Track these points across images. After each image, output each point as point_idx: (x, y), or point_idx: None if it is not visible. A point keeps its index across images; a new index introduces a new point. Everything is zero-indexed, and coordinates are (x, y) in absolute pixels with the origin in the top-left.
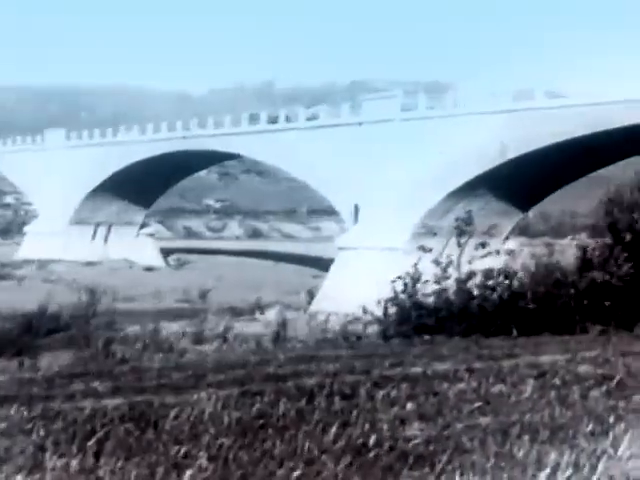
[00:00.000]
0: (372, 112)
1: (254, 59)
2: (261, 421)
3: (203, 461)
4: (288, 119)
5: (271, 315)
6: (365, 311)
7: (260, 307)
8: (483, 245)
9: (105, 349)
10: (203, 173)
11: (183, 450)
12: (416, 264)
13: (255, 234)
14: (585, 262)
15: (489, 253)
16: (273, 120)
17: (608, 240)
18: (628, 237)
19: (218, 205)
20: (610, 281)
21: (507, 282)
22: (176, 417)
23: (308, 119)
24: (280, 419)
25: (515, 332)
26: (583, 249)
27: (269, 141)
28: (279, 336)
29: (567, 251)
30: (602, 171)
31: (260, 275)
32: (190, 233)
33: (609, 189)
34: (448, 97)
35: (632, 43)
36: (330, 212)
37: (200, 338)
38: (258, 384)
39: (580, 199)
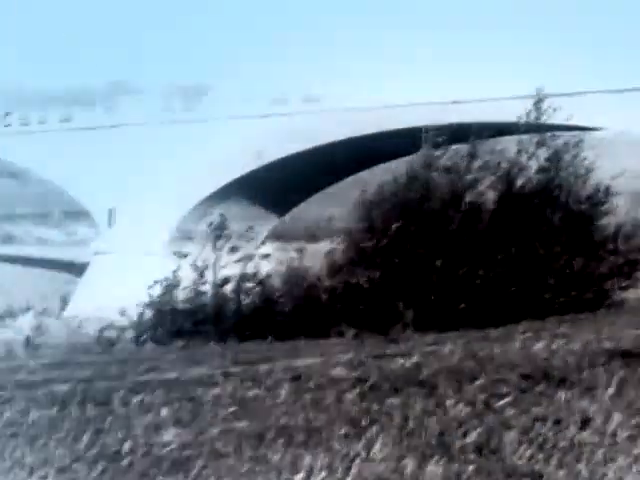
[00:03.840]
0: (129, 114)
1: (1, 57)
2: (11, 429)
3: None
4: (41, 120)
5: (23, 321)
6: (122, 314)
7: (11, 313)
8: (237, 249)
9: None
10: None
11: None
12: (175, 270)
13: (8, 238)
14: (339, 266)
15: (244, 257)
16: (25, 121)
17: (362, 243)
18: (384, 241)
19: None
20: (363, 284)
21: (262, 286)
22: None
23: (62, 121)
24: (31, 427)
25: (270, 336)
26: (337, 253)
27: (21, 143)
28: (30, 342)
29: (322, 255)
30: (358, 175)
31: (12, 280)
32: None
33: (367, 193)
34: (206, 100)
35: (389, 47)
36: (85, 216)
37: None
38: (8, 392)
39: (337, 203)
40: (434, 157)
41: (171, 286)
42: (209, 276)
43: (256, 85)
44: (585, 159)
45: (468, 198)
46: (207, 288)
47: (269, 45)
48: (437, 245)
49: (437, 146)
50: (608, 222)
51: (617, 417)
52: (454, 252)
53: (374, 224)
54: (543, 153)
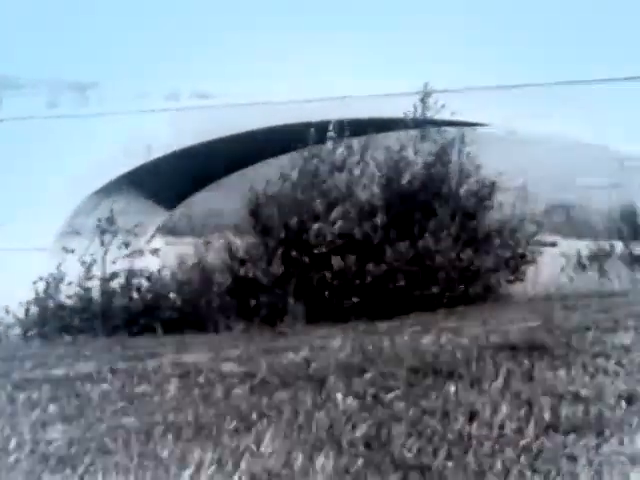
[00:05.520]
0: (14, 109)
1: None
2: None
3: None
4: None
5: None
6: (7, 312)
7: None
8: (126, 244)
9: None
10: None
11: None
12: (59, 265)
13: None
14: (231, 260)
15: (133, 252)
16: None
17: (257, 238)
18: (282, 235)
19: None
20: (256, 278)
21: (151, 281)
22: None
23: None
24: None
25: (160, 331)
26: (229, 247)
27: None
28: None
29: (213, 250)
30: (245, 171)
31: None
32: None
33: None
34: (95, 96)
35: (278, 45)
36: None
37: None
38: None
39: (226, 198)
40: (323, 153)
41: (56, 281)
42: (97, 271)
43: (145, 82)
44: (469, 154)
45: (356, 194)
46: (95, 284)
47: (158, 44)
48: (333, 241)
49: (325, 141)
50: (494, 217)
51: (504, 409)
52: (348, 248)
53: (272, 220)
54: (429, 148)
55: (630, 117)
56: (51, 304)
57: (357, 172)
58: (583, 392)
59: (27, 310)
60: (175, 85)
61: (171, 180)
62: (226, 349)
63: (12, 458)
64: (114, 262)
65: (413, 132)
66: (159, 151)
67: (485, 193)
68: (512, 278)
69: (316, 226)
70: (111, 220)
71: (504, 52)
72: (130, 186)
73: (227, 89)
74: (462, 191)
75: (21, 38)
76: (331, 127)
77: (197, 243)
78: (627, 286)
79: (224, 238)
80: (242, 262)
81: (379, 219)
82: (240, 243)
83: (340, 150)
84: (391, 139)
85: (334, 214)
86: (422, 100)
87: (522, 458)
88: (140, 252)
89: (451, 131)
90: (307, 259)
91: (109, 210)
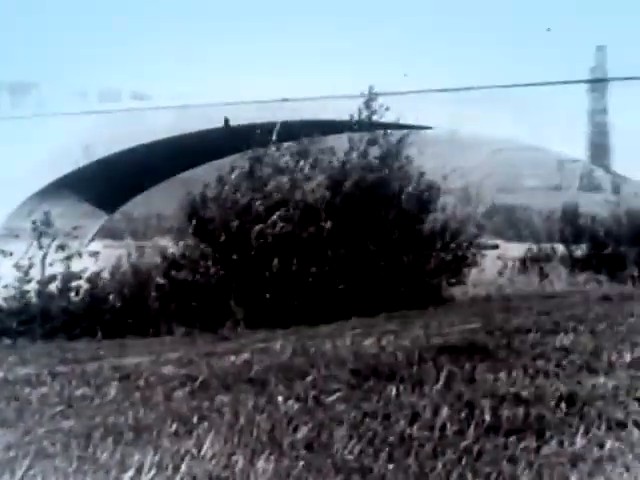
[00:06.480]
0: None
1: None
2: None
3: None
4: None
5: None
6: None
7: None
8: (62, 247)
9: None
10: None
11: None
12: None
13: None
14: (171, 263)
15: (72, 255)
16: None
17: (196, 241)
18: (223, 237)
19: None
20: (197, 282)
21: (90, 284)
22: None
23: None
24: None
25: (100, 334)
26: (162, 251)
27: None
28: None
29: (152, 253)
30: (184, 174)
31: None
32: None
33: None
34: (32, 97)
35: (219, 47)
36: None
37: None
38: None
39: (167, 200)
40: (265, 155)
41: None
42: (35, 274)
43: (84, 83)
44: (408, 157)
45: (298, 197)
46: (33, 287)
47: (97, 45)
48: (274, 243)
49: (267, 144)
50: (436, 219)
51: (445, 411)
52: (289, 250)
53: (211, 223)
54: (374, 151)
55: (569, 119)
56: None
57: (299, 175)
58: (524, 394)
59: None
60: (114, 86)
61: (111, 183)
62: (167, 352)
63: None
64: (51, 265)
65: (357, 135)
66: (98, 153)
67: (428, 197)
68: (453, 281)
69: (257, 228)
70: (48, 222)
71: (446, 55)
72: (69, 188)
73: (167, 91)
74: (406, 194)
75: None
76: (274, 129)
77: (130, 247)
78: (567, 288)
79: (164, 241)
80: (180, 266)
81: (322, 222)
82: (178, 246)
83: (283, 152)
84: (336, 142)
85: (274, 216)
86: (366, 103)
87: (463, 460)
88: (79, 255)
89: (395, 134)
90: (248, 262)
91: (44, 212)
